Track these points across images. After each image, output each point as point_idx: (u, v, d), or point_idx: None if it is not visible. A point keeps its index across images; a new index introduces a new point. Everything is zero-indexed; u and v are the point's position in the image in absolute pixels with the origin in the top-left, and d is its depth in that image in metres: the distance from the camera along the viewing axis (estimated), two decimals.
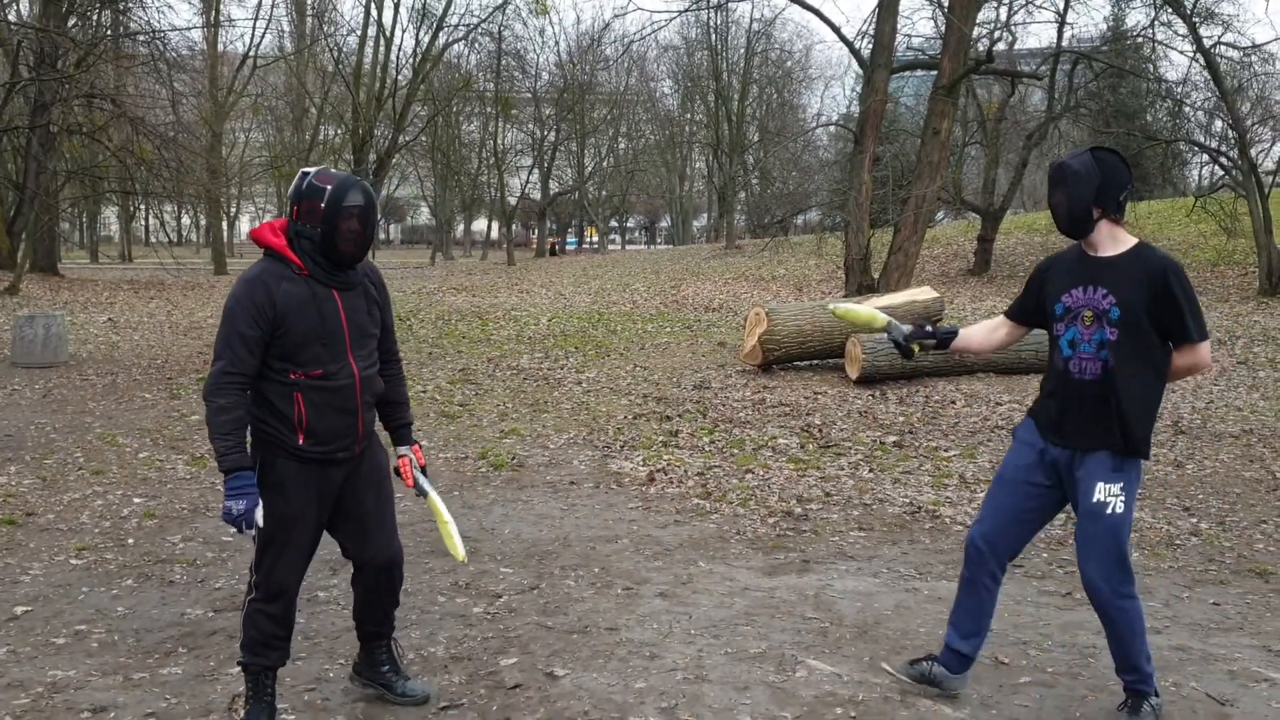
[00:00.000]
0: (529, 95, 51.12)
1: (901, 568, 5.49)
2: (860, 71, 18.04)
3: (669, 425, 9.28)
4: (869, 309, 4.15)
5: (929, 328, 4.01)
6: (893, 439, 8.62)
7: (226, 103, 40.65)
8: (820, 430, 8.94)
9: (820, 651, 4.29)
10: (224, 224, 37.82)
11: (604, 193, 64.35)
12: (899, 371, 11.02)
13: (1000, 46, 23.01)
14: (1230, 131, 20.56)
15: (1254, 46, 20.76)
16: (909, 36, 28.32)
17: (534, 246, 57.40)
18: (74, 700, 3.78)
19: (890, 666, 3.98)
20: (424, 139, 47.01)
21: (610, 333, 16.01)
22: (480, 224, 73.84)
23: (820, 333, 11.68)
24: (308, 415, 3.39)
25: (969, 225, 32.06)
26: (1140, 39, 23.69)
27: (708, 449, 8.36)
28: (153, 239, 60.12)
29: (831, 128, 34.08)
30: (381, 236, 76.23)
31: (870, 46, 17.33)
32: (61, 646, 4.29)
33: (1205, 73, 19.44)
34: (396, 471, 3.79)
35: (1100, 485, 3.49)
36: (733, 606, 4.84)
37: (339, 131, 47.37)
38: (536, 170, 53.28)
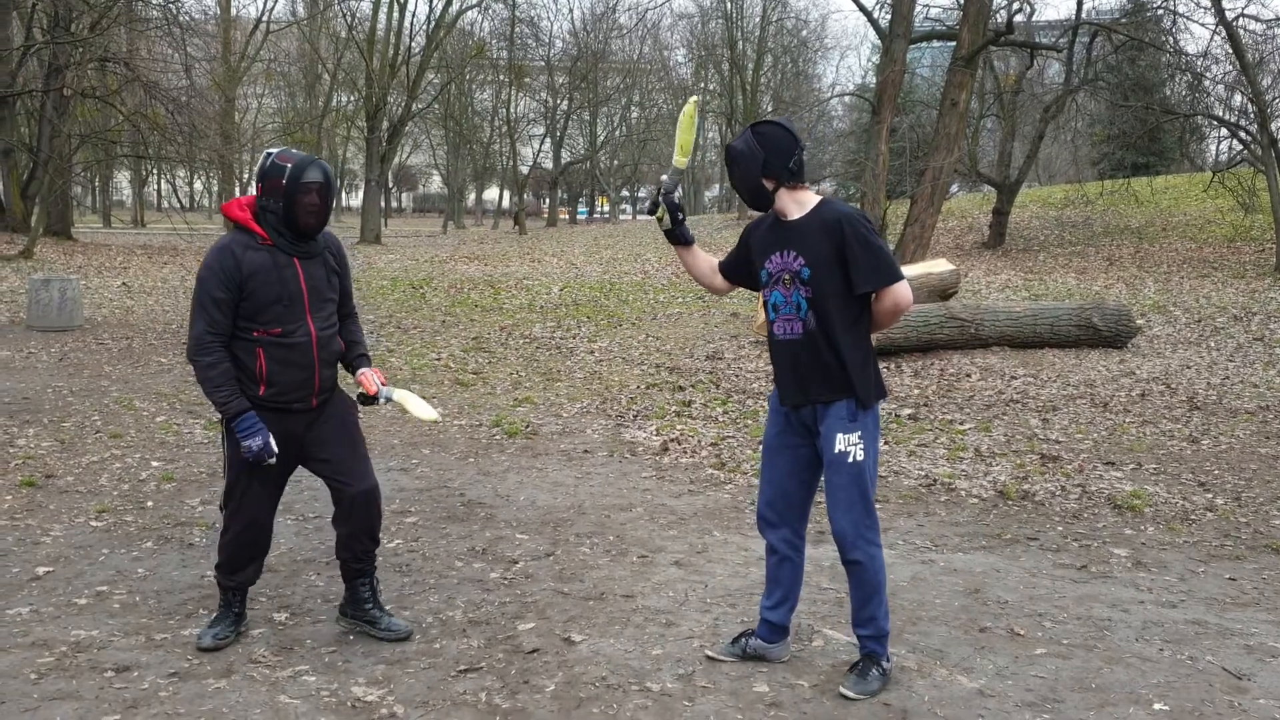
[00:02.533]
0: (542, 63, 50.88)
1: (917, 539, 5.49)
2: (878, 41, 17.92)
3: (682, 395, 9.29)
4: (688, 141, 3.95)
5: (680, 216, 3.93)
6: (908, 411, 8.61)
7: (239, 68, 40.55)
8: None
9: (836, 621, 4.30)
10: (236, 189, 37.79)
11: (616, 162, 64.13)
12: (913, 344, 10.99)
13: (1019, 18, 22.76)
14: (1250, 105, 20.36)
15: (1278, 19, 20.49)
16: (927, 6, 27.99)
17: (544, 215, 57.21)
18: (97, 659, 3.81)
19: (711, 651, 3.94)
20: (437, 107, 46.88)
21: (622, 302, 16.00)
22: (491, 193, 73.71)
23: None
24: (268, 368, 3.79)
25: (984, 198, 31.87)
26: (1160, 10, 23.42)
27: (721, 419, 8.36)
28: (165, 204, 60.17)
29: (847, 98, 33.87)
30: (394, 205, 76.11)
31: (889, 16, 17.17)
32: (84, 607, 4.32)
33: (1226, 45, 19.24)
34: (362, 399, 4.07)
35: (840, 436, 3.58)
36: (748, 576, 4.85)
37: (352, 98, 47.27)
38: (549, 139, 53.07)
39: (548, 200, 60.85)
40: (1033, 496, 6.27)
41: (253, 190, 3.88)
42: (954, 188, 33.05)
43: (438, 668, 3.81)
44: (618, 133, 59.39)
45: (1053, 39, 24.65)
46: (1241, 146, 21.15)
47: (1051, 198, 30.74)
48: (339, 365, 4.07)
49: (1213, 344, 12.00)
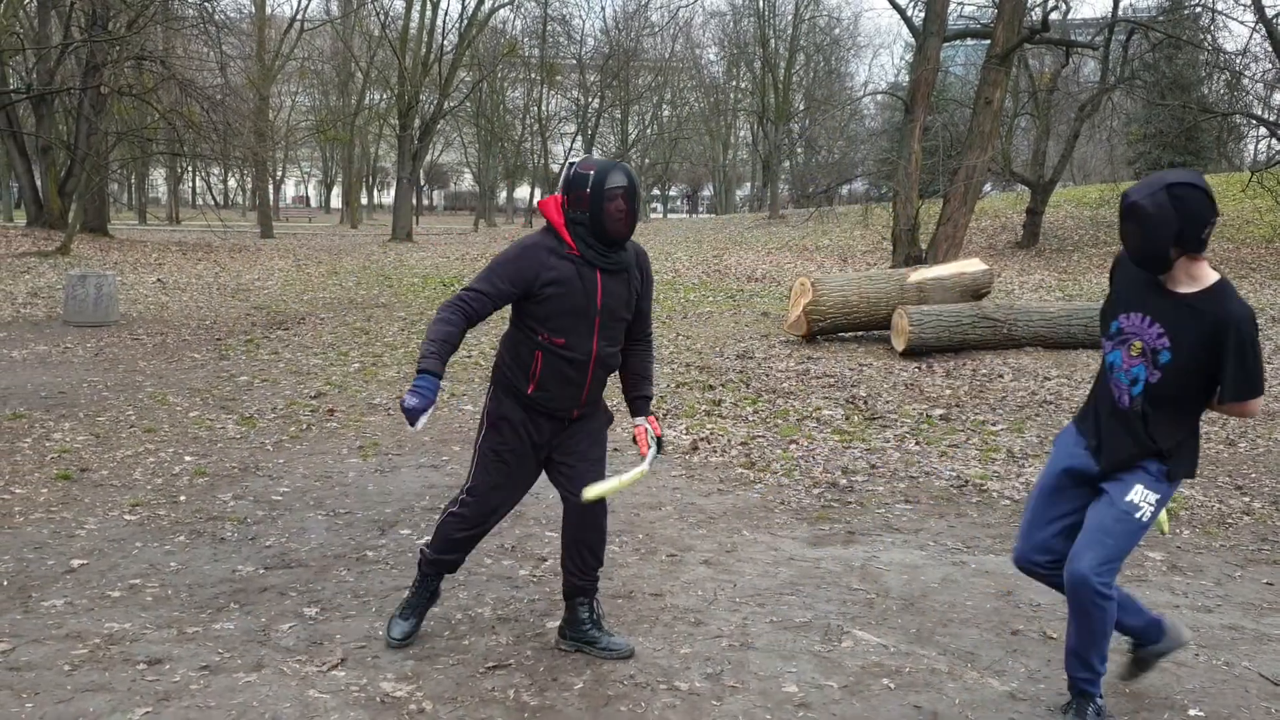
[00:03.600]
0: (574, 61, 50.93)
1: (948, 541, 5.45)
2: (911, 39, 17.81)
3: (712, 394, 9.26)
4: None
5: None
6: (939, 412, 8.55)
7: (274, 66, 40.85)
8: (865, 402, 8.88)
9: (866, 622, 4.27)
10: (270, 187, 38.13)
11: (647, 160, 64.11)
12: (945, 344, 10.92)
13: (1054, 15, 22.56)
14: None
15: None
16: (961, 4, 27.80)
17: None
18: (130, 652, 3.85)
19: None
20: (468, 105, 47.02)
21: (653, 301, 15.98)
22: (523, 191, 73.91)
23: (866, 304, 11.58)
24: (542, 373, 3.73)
25: (1017, 197, 31.62)
26: (1199, 8, 23.14)
27: (751, 419, 8.33)
28: (199, 201, 60.77)
29: (879, 96, 33.69)
30: (425, 203, 76.50)
31: (923, 14, 17.06)
32: (117, 600, 4.37)
33: (1266, 43, 18.97)
34: (637, 440, 3.94)
35: (1139, 487, 3.32)
36: (777, 576, 4.83)
37: (384, 96, 47.55)
38: (580, 137, 53.13)
39: None
40: None
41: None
42: (987, 187, 32.81)
43: (466, 664, 3.82)
44: (649, 131, 59.35)
45: (1088, 36, 24.39)
46: None
47: (1086, 197, 30.44)
48: (628, 402, 4.00)
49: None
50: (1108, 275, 3.58)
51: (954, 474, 6.73)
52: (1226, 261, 20.14)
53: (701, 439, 7.58)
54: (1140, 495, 3.31)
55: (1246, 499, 6.23)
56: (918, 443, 7.55)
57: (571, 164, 3.74)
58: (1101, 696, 3.46)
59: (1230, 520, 5.84)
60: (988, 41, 17.24)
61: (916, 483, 6.55)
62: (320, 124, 52.79)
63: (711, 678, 3.73)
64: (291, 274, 19.71)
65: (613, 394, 4.39)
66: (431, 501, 5.93)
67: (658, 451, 3.93)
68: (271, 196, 48.76)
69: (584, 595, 3.95)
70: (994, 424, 8.13)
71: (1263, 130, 23.24)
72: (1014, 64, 19.23)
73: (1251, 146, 37.22)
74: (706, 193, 78.48)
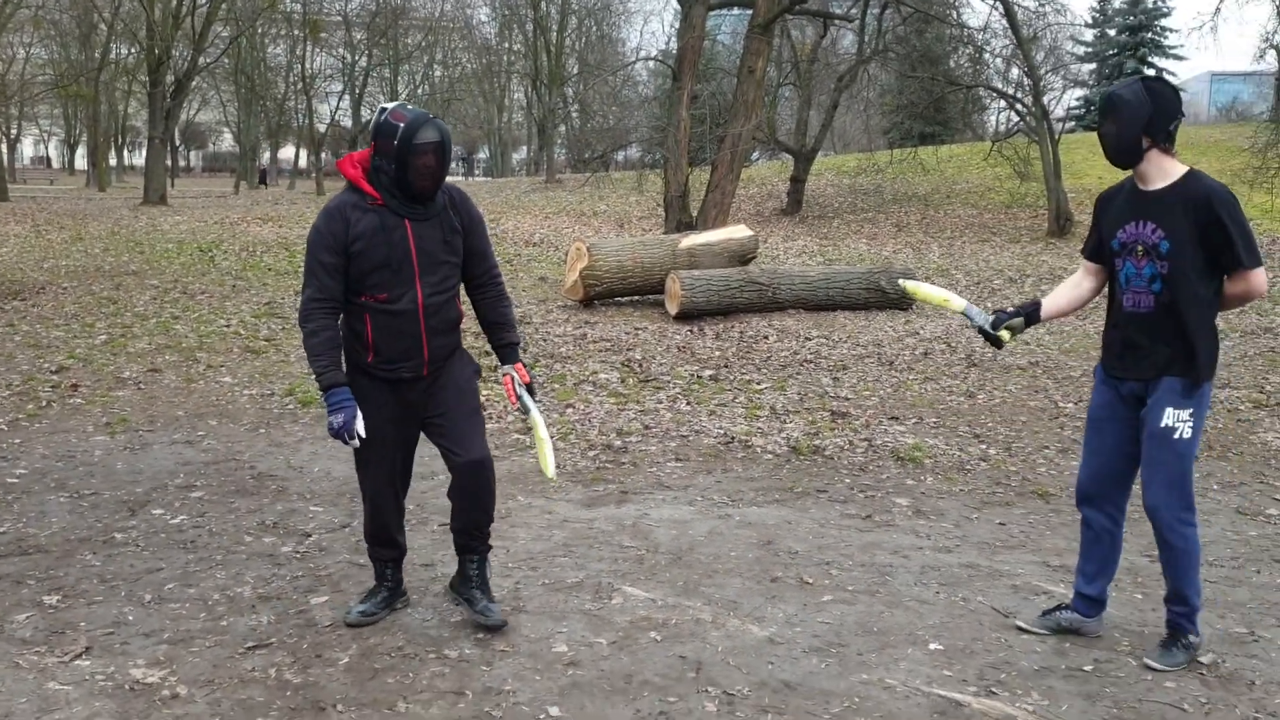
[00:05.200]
0: (339, 18, 49.06)
1: (715, 495, 5.64)
2: (679, 7, 18.04)
3: (489, 360, 9.18)
4: (944, 293, 4.06)
5: (1009, 309, 3.93)
6: (709, 373, 8.80)
7: (2, 14, 37.34)
8: (640, 365, 9.04)
9: (636, 578, 4.37)
10: (3, 146, 34.92)
11: None
12: (715, 307, 11.24)
13: None
14: (1025, 79, 21.63)
15: None
16: None
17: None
18: None
19: (1023, 622, 3.92)
20: (226, 61, 44.57)
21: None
22: (287, 151, 70.85)
23: (641, 269, 11.76)
24: (374, 336, 3.67)
25: (782, 165, 32.76)
26: None
27: (498, 381, 8.31)
28: None
29: (650, 63, 34.09)
30: (181, 164, 72.12)
31: None
32: None
33: (1004, 20, 20.32)
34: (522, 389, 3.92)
35: (1169, 410, 3.51)
36: (551, 539, 4.87)
37: (132, 51, 44.39)
38: (347, 96, 51.37)
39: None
40: (823, 451, 6.53)
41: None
42: (755, 155, 33.89)
43: (224, 645, 3.67)
44: (420, 91, 57.94)
45: (845, 9, 25.46)
46: (1018, 118, 22.44)
47: (845, 166, 31.89)
48: (494, 348, 3.95)
49: (990, 305, 12.74)
50: (1092, 219, 3.87)
51: (722, 431, 6.95)
52: (971, 226, 21.59)
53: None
54: (1172, 416, 3.51)
55: (983, 446, 6.73)
56: (689, 403, 7.75)
57: (384, 109, 3.62)
58: (1198, 634, 3.65)
59: (969, 467, 6.30)
60: (750, 11, 17.70)
61: (687, 441, 6.73)
62: (59, 79, 48.76)
63: (481, 643, 3.73)
64: (30, 240, 18.18)
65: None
66: (186, 479, 5.65)
67: (531, 396, 3.88)
68: (5, 157, 44.81)
69: (473, 553, 3.93)
70: (759, 383, 8.45)
71: (1002, 102, 24.91)
72: (776, 34, 19.86)
73: (993, 118, 39.88)
74: (482, 155, 77.48)
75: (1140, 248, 3.56)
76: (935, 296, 4.09)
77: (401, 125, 3.52)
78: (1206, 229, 3.46)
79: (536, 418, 3.87)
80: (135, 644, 3.67)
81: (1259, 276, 3.50)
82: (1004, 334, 3.89)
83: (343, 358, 3.73)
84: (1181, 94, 3.63)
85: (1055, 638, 3.84)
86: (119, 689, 3.34)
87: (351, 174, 3.65)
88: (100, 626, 3.80)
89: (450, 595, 4.06)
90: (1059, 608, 3.92)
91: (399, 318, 3.64)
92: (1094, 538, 3.83)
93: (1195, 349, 3.53)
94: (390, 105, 3.63)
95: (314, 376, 3.65)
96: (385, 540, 3.95)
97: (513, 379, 3.89)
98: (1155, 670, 3.57)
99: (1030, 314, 3.92)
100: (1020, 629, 3.89)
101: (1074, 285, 3.93)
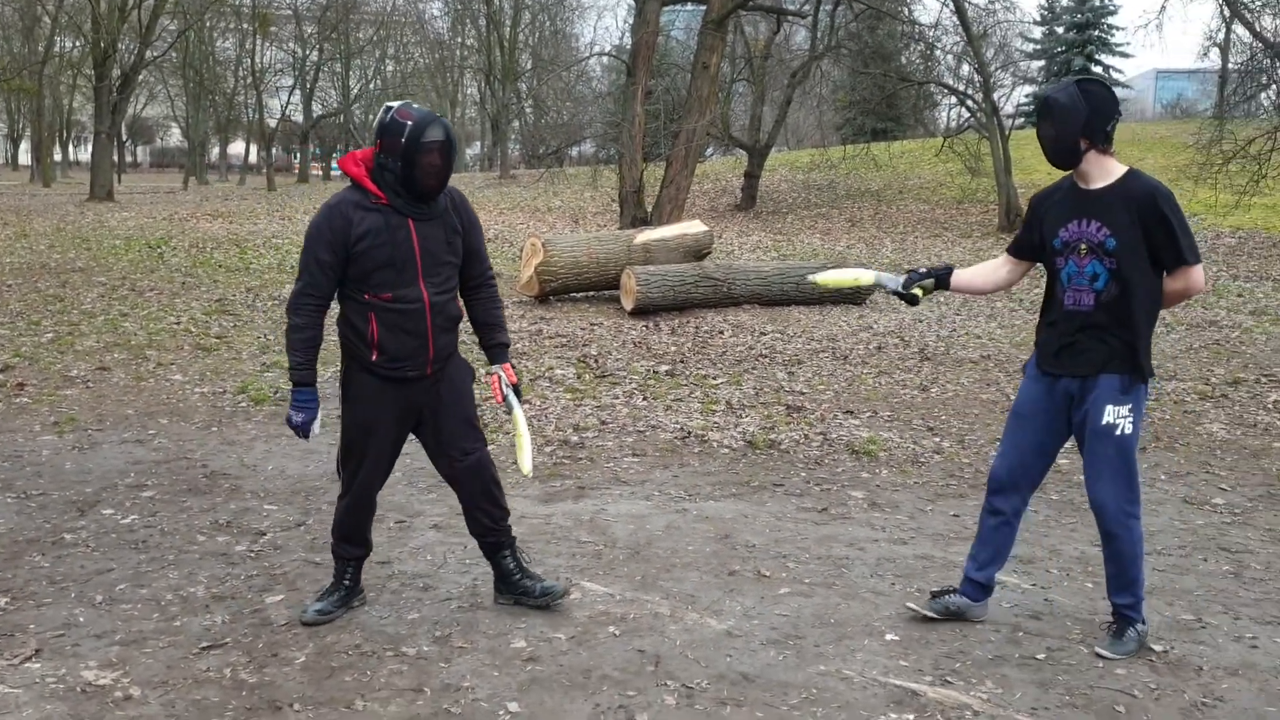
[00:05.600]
0: (289, 12, 48.51)
1: (672, 490, 5.65)
2: (633, 3, 18.04)
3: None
4: (852, 272, 4.07)
5: (921, 269, 3.99)
6: (665, 368, 8.82)
7: None
8: (596, 360, 9.03)
9: (594, 573, 4.37)
10: None
11: (371, 117, 62.07)
12: (671, 303, 11.26)
13: None
14: (976, 75, 21.87)
15: None
16: None
17: (296, 170, 54.74)
18: None
19: (915, 605, 3.97)
20: (174, 55, 43.89)
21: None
22: (237, 147, 69.93)
23: (596, 264, 11.75)
24: (379, 334, 3.65)
25: (736, 161, 32.87)
26: None
27: (484, 380, 8.28)
28: None
29: (605, 59, 34.03)
30: (128, 159, 70.93)
31: None
32: None
33: (955, 17, 20.52)
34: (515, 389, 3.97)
35: (1109, 408, 3.57)
36: None
37: (77, 44, 43.60)
38: (299, 91, 50.81)
39: (298, 155, 58.26)
40: (779, 445, 6.57)
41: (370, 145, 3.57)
42: (709, 151, 33.95)
43: (178, 646, 3.62)
44: (372, 86, 57.42)
45: (798, 5, 25.59)
46: (969, 114, 22.69)
47: (799, 161, 32.06)
48: (483, 348, 4.00)
49: (942, 299, 12.88)
50: (1025, 218, 3.90)
51: (678, 426, 6.97)
52: (923, 221, 21.80)
53: None
54: (1113, 414, 3.57)
55: (937, 439, 6.80)
56: (645, 398, 7.76)
57: (389, 108, 3.61)
58: (1144, 622, 3.71)
59: (923, 459, 6.37)
60: (704, 7, 17.74)
61: (644, 436, 6.74)
62: (2, 73, 47.77)
63: (440, 640, 3.71)
64: None
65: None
66: (137, 478, 5.57)
67: (517, 397, 3.94)
68: None
69: (502, 548, 3.98)
70: (715, 378, 8.48)
71: (953, 99, 25.16)
72: (730, 30, 19.91)
73: (944, 114, 40.26)
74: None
75: (1084, 246, 3.60)
76: (846, 279, 4.11)
77: (409, 123, 3.52)
78: (1149, 226, 3.51)
79: (519, 415, 3.94)
80: (86, 646, 3.61)
81: (1198, 273, 3.56)
82: (917, 292, 3.97)
83: (347, 355, 3.78)
84: (1118, 92, 3.74)
85: (1009, 627, 3.90)
86: (70, 691, 3.29)
87: (355, 172, 3.64)
88: (50, 628, 3.74)
89: (503, 599, 4.02)
90: (947, 591, 3.99)
91: (406, 317, 3.65)
92: (994, 527, 3.90)
93: (1136, 345, 3.58)
94: (395, 104, 3.63)
95: (289, 368, 3.68)
96: (358, 539, 3.93)
97: (500, 378, 3.94)
98: (1106, 659, 3.63)
99: (941, 277, 3.98)
100: (911, 610, 3.97)
101: (992, 269, 4.01)
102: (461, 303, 3.93)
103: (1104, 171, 3.60)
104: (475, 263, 3.89)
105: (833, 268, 3.88)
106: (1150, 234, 3.51)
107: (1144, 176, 3.59)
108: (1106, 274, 3.57)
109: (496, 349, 4.00)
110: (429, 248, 3.67)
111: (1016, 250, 3.91)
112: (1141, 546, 3.70)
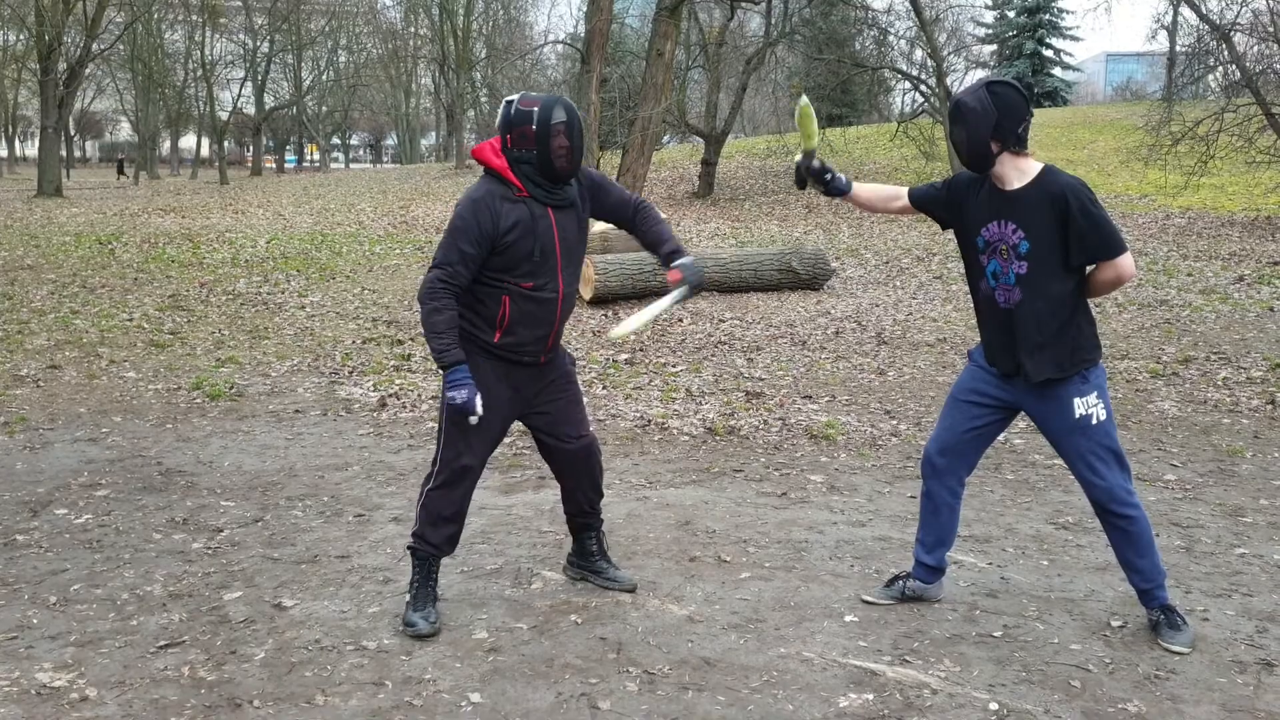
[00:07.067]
0: (239, 3, 47.88)
1: (633, 478, 5.66)
2: None
3: (401, 349, 9.10)
4: (642, 315, 3.87)
5: (828, 175, 3.86)
6: (625, 356, 8.82)
7: None
8: None
9: (555, 563, 4.37)
10: None
11: (324, 108, 61.51)
12: (630, 291, 11.26)
13: None
14: (929, 60, 22.04)
15: None
16: None
17: (249, 164, 54.05)
18: None
19: (870, 595, 3.98)
20: (121, 48, 43.19)
21: (335, 255, 15.45)
22: (188, 140, 69.01)
23: None
24: (510, 318, 3.67)
25: (694, 148, 32.91)
26: None
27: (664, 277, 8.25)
28: None
29: (559, 47, 33.92)
30: (77, 154, 69.73)
31: None
32: None
33: (907, 3, 20.65)
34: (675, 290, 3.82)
35: (1076, 401, 3.56)
36: (469, 526, 4.81)
37: (21, 37, 42.73)
38: (250, 83, 50.18)
39: (251, 148, 57.57)
40: (738, 431, 6.60)
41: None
42: (666, 138, 33.95)
43: (135, 645, 3.58)
44: (325, 77, 56.89)
45: None
46: (922, 99, 22.89)
47: (755, 148, 32.14)
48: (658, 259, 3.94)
49: (898, 283, 13.00)
50: (945, 182, 3.84)
51: (638, 414, 6.98)
52: None
53: (390, 395, 7.44)
54: (1082, 405, 3.56)
55: (894, 422, 6.86)
56: (605, 387, 7.76)
57: (510, 101, 3.62)
58: (1168, 595, 3.69)
59: (880, 442, 6.43)
60: None
61: (604, 424, 6.74)
62: None
63: (400, 634, 3.70)
64: None
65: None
66: (91, 477, 5.49)
67: (688, 293, 3.83)
68: None
69: (591, 529, 4.13)
70: (674, 366, 8.50)
71: (907, 84, 25.40)
72: (684, 17, 19.92)
73: (899, 99, 40.53)
74: (390, 142, 76.32)
75: (1004, 248, 3.60)
76: (643, 321, 3.90)
77: (536, 109, 3.55)
78: (1068, 223, 3.49)
79: (661, 306, 3.84)
80: (41, 647, 3.56)
81: (1126, 261, 3.54)
82: (819, 175, 3.86)
83: (460, 337, 3.70)
84: (1069, 76, 3.76)
85: (966, 606, 3.95)
86: (25, 694, 3.24)
87: (498, 164, 3.63)
88: (3, 631, 3.68)
89: (571, 572, 4.18)
90: (901, 577, 4.02)
91: (541, 305, 3.70)
92: (934, 509, 3.92)
93: (1077, 342, 3.58)
94: (513, 96, 3.63)
95: (433, 352, 3.61)
96: (454, 516, 3.82)
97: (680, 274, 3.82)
98: (1182, 653, 3.55)
99: (836, 190, 3.87)
100: (866, 601, 3.98)
101: (890, 196, 3.92)
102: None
103: (1019, 172, 3.55)
104: (625, 208, 3.95)
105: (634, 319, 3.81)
106: (1070, 230, 3.49)
107: (1060, 174, 3.54)
108: (1022, 277, 3.56)
109: (673, 254, 3.89)
110: (566, 238, 3.72)
111: (918, 201, 3.84)
112: (1149, 530, 3.66)
